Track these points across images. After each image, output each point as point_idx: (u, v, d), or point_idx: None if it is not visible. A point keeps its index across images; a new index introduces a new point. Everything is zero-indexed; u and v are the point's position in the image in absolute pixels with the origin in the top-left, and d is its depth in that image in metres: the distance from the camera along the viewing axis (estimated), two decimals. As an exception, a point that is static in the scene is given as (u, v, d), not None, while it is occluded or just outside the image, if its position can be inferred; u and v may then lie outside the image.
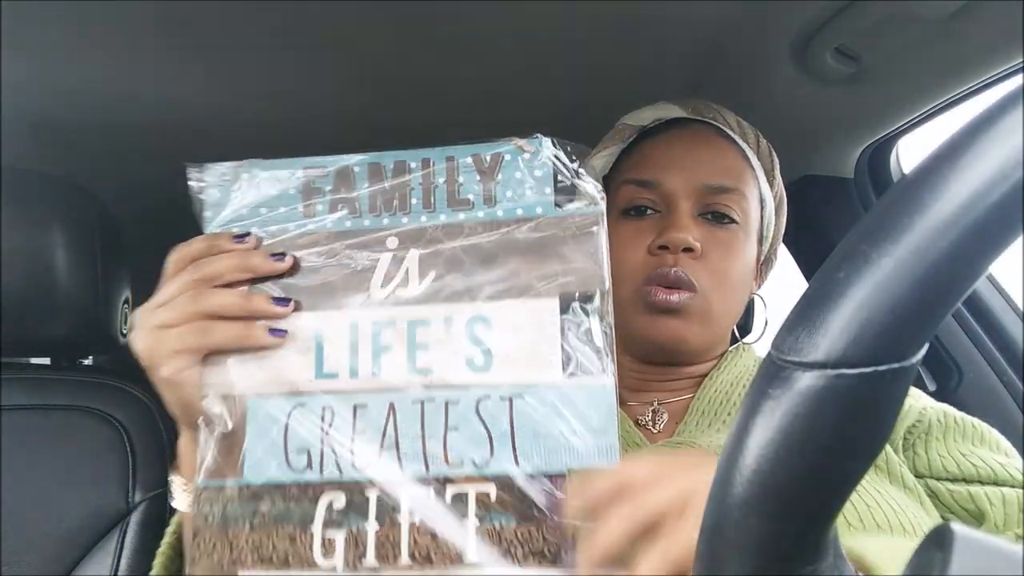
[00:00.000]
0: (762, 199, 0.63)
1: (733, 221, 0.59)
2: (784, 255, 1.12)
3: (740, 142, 0.63)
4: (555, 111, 0.91)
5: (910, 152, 0.95)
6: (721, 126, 0.63)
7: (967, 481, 0.50)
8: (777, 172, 0.65)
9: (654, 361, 0.61)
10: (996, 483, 0.49)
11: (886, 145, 0.93)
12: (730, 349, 0.64)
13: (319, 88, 0.86)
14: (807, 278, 1.10)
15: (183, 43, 0.76)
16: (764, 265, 0.68)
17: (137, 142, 1.00)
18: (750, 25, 0.72)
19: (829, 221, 0.99)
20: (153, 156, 1.05)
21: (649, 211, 0.60)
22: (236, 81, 0.84)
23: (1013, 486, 0.49)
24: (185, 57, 0.78)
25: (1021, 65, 0.68)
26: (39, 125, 0.93)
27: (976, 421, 0.55)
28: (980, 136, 0.19)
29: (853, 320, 0.19)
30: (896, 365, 0.19)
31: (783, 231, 0.68)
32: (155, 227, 1.39)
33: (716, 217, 0.59)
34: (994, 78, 0.71)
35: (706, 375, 0.62)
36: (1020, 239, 0.19)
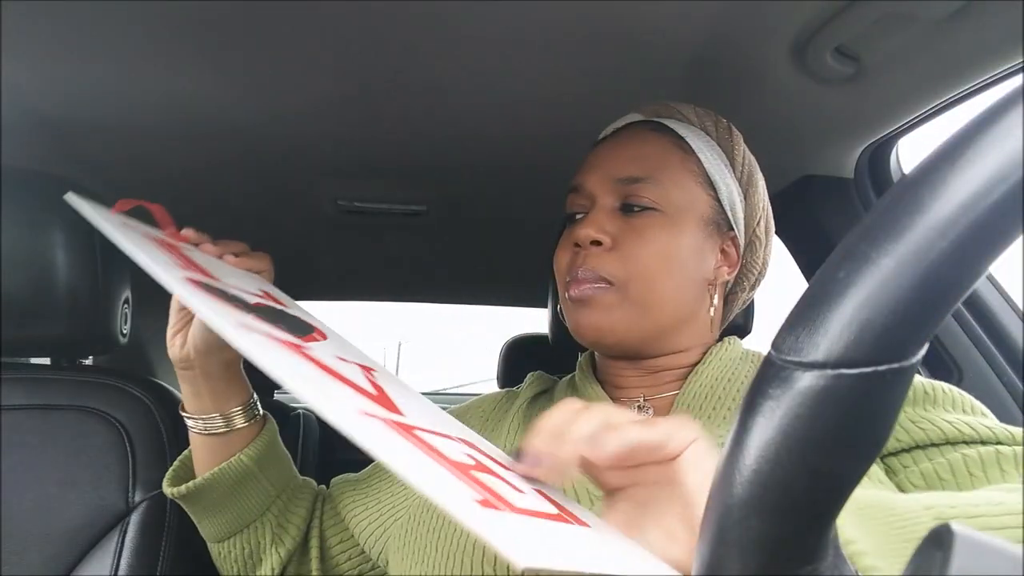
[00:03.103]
0: (711, 181, 0.62)
1: (648, 208, 0.59)
2: (784, 255, 1.12)
3: (684, 129, 0.63)
4: (552, 114, 0.91)
5: (910, 152, 0.95)
6: (671, 121, 0.64)
7: (950, 444, 0.48)
8: (740, 152, 0.64)
9: (626, 356, 0.62)
10: (977, 442, 0.48)
11: (886, 145, 0.93)
12: (715, 344, 0.63)
13: (320, 89, 0.86)
14: (807, 278, 1.10)
15: (184, 43, 0.76)
16: (748, 250, 0.65)
17: (137, 142, 1.00)
18: (750, 25, 0.72)
19: (829, 221, 0.99)
20: (153, 156, 1.05)
21: (579, 215, 0.63)
22: (236, 81, 0.84)
23: (989, 441, 0.47)
24: (185, 57, 0.78)
25: (1021, 65, 0.68)
26: (39, 125, 0.93)
27: (945, 386, 0.54)
28: (980, 136, 0.19)
29: (853, 320, 0.19)
30: (896, 365, 0.19)
31: (764, 212, 0.66)
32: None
33: (631, 208, 0.60)
34: (994, 78, 0.71)
35: (691, 370, 0.61)
36: (1020, 239, 0.19)
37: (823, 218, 0.99)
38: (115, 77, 0.82)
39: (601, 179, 0.61)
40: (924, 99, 0.78)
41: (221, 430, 0.64)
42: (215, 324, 0.40)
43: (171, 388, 0.85)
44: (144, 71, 0.81)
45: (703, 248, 0.61)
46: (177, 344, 0.62)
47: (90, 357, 0.94)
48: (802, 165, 0.98)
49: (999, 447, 0.46)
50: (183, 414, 0.65)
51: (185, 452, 0.68)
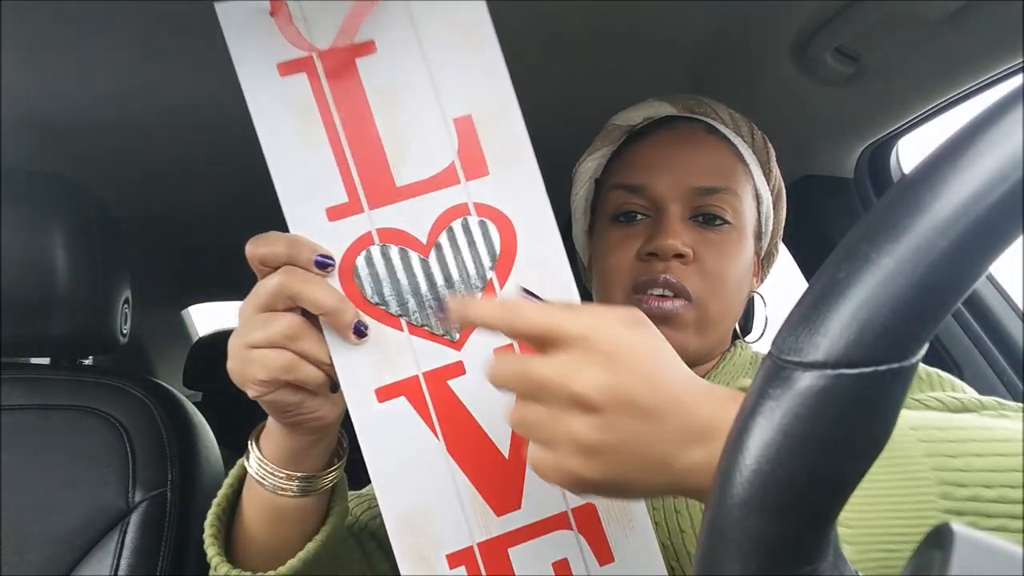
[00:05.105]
0: (758, 194, 0.62)
1: (726, 222, 0.57)
2: (784, 255, 1.12)
3: (733, 137, 0.61)
4: (553, 110, 0.91)
5: (910, 152, 0.95)
6: (712, 122, 0.62)
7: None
8: (774, 164, 0.64)
9: None
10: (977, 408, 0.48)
11: (886, 145, 0.93)
12: (728, 349, 0.64)
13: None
14: (807, 278, 1.10)
15: (184, 43, 0.76)
16: (765, 260, 0.67)
17: (137, 142, 1.00)
18: (750, 25, 0.72)
19: (829, 221, 0.99)
20: (153, 156, 1.05)
21: (639, 216, 0.58)
22: (235, 81, 0.84)
23: (956, 411, 0.47)
24: (186, 57, 0.78)
25: (1021, 65, 0.68)
26: (39, 125, 0.93)
27: (940, 372, 0.55)
28: (980, 136, 0.19)
29: (853, 320, 0.19)
30: (896, 365, 0.19)
31: (783, 224, 0.67)
32: (155, 227, 1.40)
33: (707, 219, 0.57)
34: (994, 78, 0.71)
35: (706, 374, 0.61)
36: (1020, 239, 0.19)
37: (823, 218, 0.99)
38: (115, 77, 0.82)
39: (674, 184, 0.57)
40: (924, 99, 0.78)
41: (328, 486, 0.49)
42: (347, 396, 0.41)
43: (171, 388, 0.85)
44: (145, 71, 0.81)
45: (753, 262, 0.61)
46: (324, 411, 0.44)
47: (90, 357, 0.94)
48: (802, 165, 0.98)
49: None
50: (273, 474, 0.46)
51: (210, 521, 0.50)
